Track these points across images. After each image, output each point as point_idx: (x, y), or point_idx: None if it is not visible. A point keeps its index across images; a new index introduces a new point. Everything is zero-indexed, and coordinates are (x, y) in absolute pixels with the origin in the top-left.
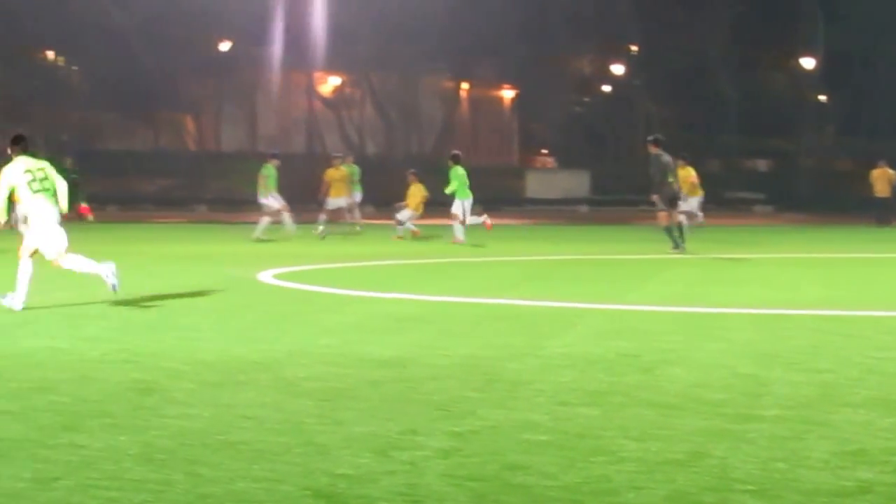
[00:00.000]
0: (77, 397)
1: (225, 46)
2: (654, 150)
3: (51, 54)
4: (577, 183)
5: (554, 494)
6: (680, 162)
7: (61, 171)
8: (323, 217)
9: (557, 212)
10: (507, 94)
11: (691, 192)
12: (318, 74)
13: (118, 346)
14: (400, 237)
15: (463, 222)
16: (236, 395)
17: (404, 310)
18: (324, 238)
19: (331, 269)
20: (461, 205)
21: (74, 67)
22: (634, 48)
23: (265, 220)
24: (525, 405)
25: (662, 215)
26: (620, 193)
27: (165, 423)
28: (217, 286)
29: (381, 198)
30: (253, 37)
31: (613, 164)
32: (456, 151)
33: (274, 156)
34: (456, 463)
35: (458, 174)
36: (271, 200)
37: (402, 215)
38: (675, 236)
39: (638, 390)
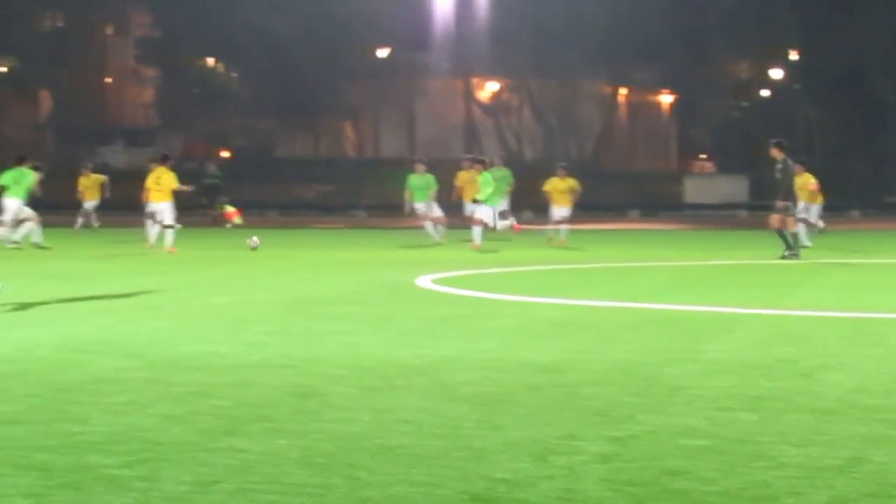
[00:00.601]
0: (237, 401)
1: (383, 53)
2: (778, 154)
3: (211, 62)
4: (735, 188)
5: (713, 500)
6: (798, 168)
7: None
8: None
9: (716, 217)
10: (666, 99)
11: (811, 200)
12: (476, 80)
13: (278, 350)
14: (560, 242)
15: (488, 226)
16: (395, 399)
17: (562, 315)
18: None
19: (488, 274)
20: (491, 211)
21: (234, 74)
22: (793, 53)
23: (428, 225)
24: (684, 410)
25: (776, 218)
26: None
27: (325, 428)
28: (376, 291)
29: (541, 202)
30: (411, 43)
31: (771, 168)
32: (483, 158)
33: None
34: (614, 468)
35: (489, 180)
36: (424, 208)
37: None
38: (790, 241)
39: (797, 395)
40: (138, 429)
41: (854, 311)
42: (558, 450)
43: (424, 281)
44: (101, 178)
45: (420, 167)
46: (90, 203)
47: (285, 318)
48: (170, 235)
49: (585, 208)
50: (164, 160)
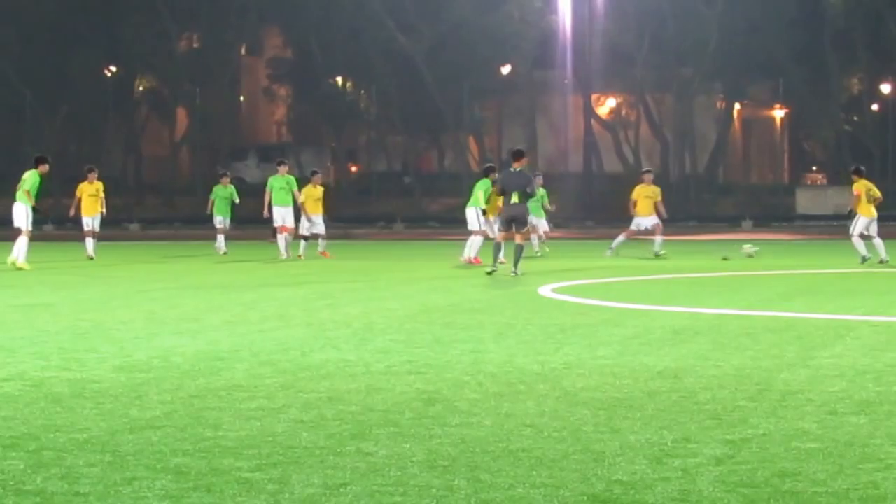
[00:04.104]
0: (364, 407)
1: (506, 70)
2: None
3: (339, 79)
4: (846, 199)
5: (822, 500)
6: (855, 176)
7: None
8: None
9: (827, 227)
10: (779, 113)
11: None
12: (595, 96)
13: (404, 358)
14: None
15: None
16: (517, 404)
17: (679, 322)
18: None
19: (608, 283)
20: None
21: (363, 92)
22: None
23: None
24: (795, 414)
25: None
26: (888, 209)
27: (448, 432)
28: (498, 300)
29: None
30: (533, 60)
31: (881, 180)
32: (491, 164)
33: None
34: (728, 470)
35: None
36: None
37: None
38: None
39: None
40: (269, 433)
41: None
42: (674, 452)
43: (546, 290)
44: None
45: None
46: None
47: (411, 326)
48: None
49: (701, 219)
50: (312, 175)
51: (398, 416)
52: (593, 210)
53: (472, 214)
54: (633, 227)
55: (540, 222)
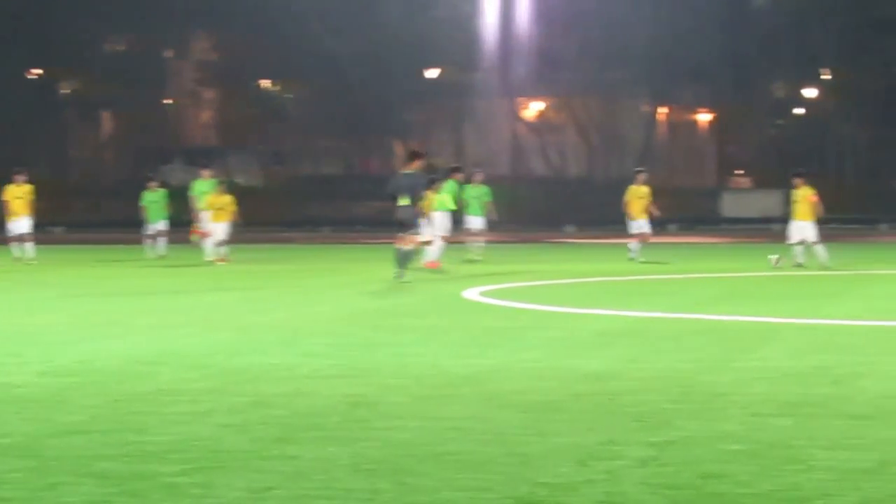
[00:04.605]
0: (290, 410)
1: (433, 73)
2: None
3: (267, 82)
4: (771, 202)
5: (746, 502)
6: (798, 181)
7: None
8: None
9: (752, 230)
10: (704, 117)
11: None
12: (522, 100)
13: (330, 361)
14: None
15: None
16: (442, 407)
17: (605, 325)
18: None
19: (534, 286)
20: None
21: (289, 95)
22: (827, 73)
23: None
24: (719, 416)
25: None
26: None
27: (374, 435)
28: (425, 304)
29: (584, 218)
30: (460, 64)
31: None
32: (456, 165)
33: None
34: (652, 472)
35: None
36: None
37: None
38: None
39: (829, 401)
40: (195, 438)
41: (886, 320)
42: (598, 455)
43: (472, 293)
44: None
45: (477, 177)
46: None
47: (337, 330)
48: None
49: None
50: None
51: (324, 419)
52: (520, 213)
53: (440, 218)
54: (634, 231)
55: (476, 220)
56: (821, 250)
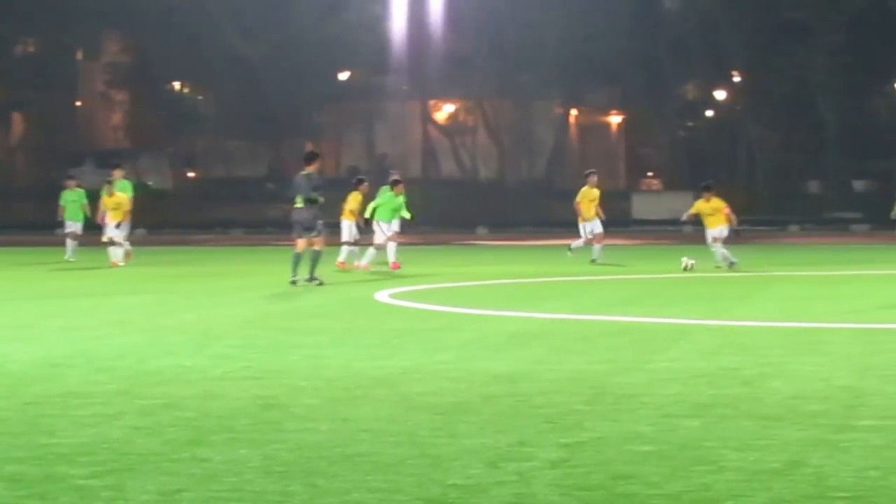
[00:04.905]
0: (201, 413)
1: (344, 76)
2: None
3: (177, 84)
4: (682, 204)
5: (657, 503)
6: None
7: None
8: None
9: (663, 232)
10: (615, 119)
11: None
12: (433, 102)
13: (241, 363)
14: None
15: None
16: (354, 409)
17: (517, 327)
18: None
19: (445, 288)
20: (387, 227)
21: (200, 97)
22: (737, 75)
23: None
24: (630, 417)
25: None
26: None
27: (285, 437)
28: (337, 306)
29: (495, 220)
30: (372, 66)
31: (715, 185)
32: (396, 178)
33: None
34: (563, 473)
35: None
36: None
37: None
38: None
39: (739, 402)
40: (106, 440)
41: (795, 321)
42: (509, 456)
43: (383, 296)
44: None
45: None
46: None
47: (249, 332)
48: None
49: (538, 225)
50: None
51: (235, 421)
52: (431, 215)
53: (376, 226)
54: (586, 233)
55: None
56: (722, 252)
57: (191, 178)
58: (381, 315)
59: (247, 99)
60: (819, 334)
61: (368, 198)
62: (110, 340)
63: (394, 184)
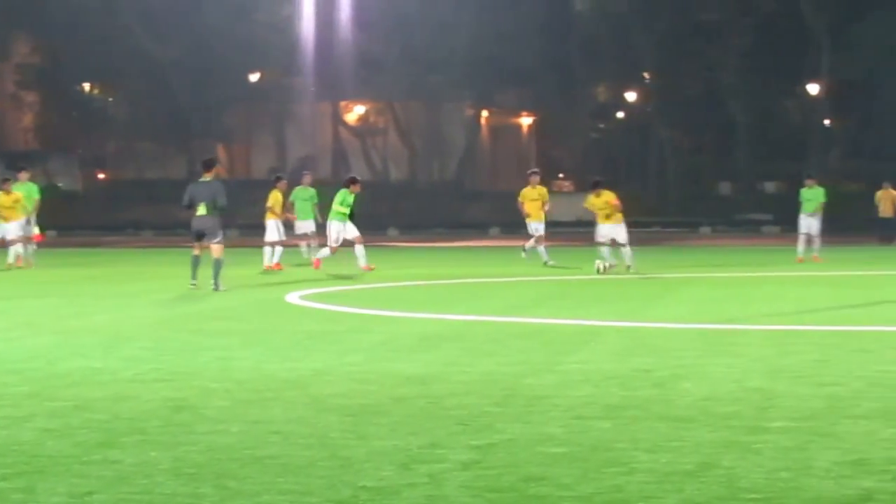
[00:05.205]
0: (111, 415)
1: (255, 77)
2: None
3: (87, 86)
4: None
5: None
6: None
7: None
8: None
9: (574, 233)
10: (526, 120)
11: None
12: (344, 103)
13: (151, 365)
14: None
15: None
16: (264, 411)
17: (428, 329)
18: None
19: (356, 290)
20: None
21: (111, 99)
22: (648, 76)
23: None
24: (542, 419)
25: None
26: (633, 215)
27: (196, 439)
28: (247, 308)
29: (406, 222)
30: (282, 68)
31: (626, 186)
32: (353, 175)
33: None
34: (475, 475)
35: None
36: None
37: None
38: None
39: (650, 404)
40: (16, 442)
41: (707, 322)
42: (421, 458)
43: (294, 297)
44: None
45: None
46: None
47: (159, 334)
48: None
49: (450, 226)
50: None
51: (145, 423)
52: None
53: (332, 228)
54: (532, 232)
55: (306, 224)
56: (628, 252)
57: (101, 180)
58: (292, 317)
59: (157, 100)
60: (731, 336)
61: (287, 195)
62: (20, 342)
63: (350, 182)
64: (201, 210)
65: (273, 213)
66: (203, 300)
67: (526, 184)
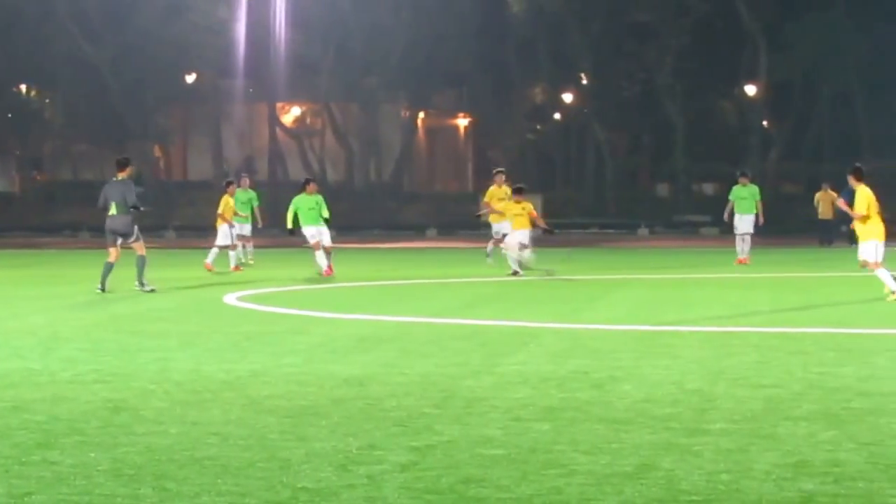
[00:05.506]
0: (50, 416)
1: (191, 78)
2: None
3: (23, 87)
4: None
5: None
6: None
7: None
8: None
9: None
10: (463, 122)
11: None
12: (280, 105)
13: (90, 367)
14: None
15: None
16: (203, 412)
17: (366, 330)
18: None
19: (293, 291)
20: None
21: (47, 100)
22: (585, 77)
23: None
24: (480, 421)
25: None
26: (570, 217)
27: (134, 440)
28: (185, 309)
29: (343, 223)
30: (218, 69)
31: (564, 188)
32: (309, 177)
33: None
34: (413, 476)
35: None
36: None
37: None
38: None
39: (589, 406)
40: None
41: (645, 324)
42: (359, 459)
43: (231, 299)
44: None
45: (244, 181)
46: None
47: (97, 335)
48: None
49: (386, 228)
50: None
51: (84, 424)
52: (278, 218)
53: (308, 231)
54: (493, 234)
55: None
56: (527, 254)
57: (37, 181)
58: (230, 318)
59: (93, 101)
60: (669, 338)
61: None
62: None
63: (305, 183)
64: (114, 210)
65: (223, 218)
66: (141, 301)
67: (491, 183)
